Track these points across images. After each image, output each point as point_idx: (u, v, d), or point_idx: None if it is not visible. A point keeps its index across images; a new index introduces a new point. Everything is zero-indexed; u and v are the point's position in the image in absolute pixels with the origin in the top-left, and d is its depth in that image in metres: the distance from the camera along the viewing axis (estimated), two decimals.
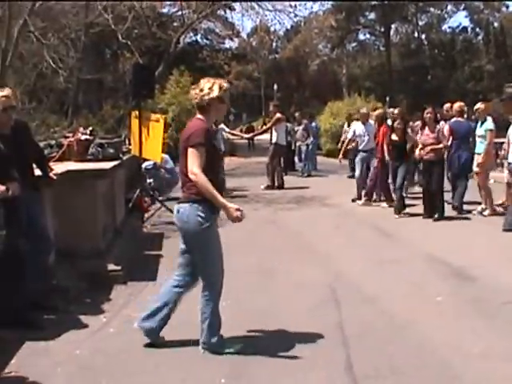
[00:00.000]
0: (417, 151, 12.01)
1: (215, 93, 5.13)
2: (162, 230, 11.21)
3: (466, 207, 12.40)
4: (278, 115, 17.76)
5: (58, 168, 7.30)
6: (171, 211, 11.87)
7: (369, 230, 11.11)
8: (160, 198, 13.53)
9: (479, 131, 12.11)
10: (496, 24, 60.37)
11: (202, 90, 5.16)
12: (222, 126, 17.80)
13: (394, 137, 12.15)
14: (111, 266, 7.62)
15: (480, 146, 12.04)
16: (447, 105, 13.94)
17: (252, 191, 16.27)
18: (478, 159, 12.04)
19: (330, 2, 50.28)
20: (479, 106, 12.41)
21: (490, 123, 11.91)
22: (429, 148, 11.78)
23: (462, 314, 6.26)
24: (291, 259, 8.64)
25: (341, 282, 7.46)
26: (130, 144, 13.57)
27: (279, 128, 17.56)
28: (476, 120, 12.71)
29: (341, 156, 15.98)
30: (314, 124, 22.67)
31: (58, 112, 22.61)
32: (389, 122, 13.90)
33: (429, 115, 11.90)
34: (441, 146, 11.72)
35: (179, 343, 5.51)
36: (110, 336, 5.78)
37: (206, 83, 5.19)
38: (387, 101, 36.77)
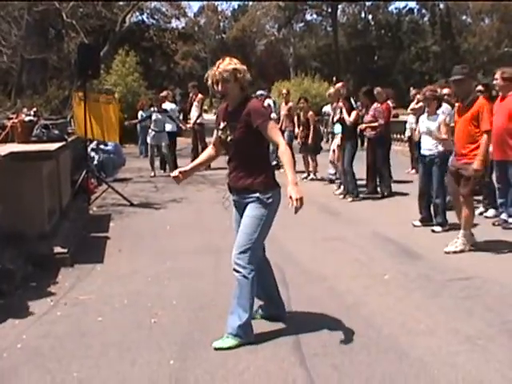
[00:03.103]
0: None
1: None
2: (109, 211, 11.14)
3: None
4: (201, 96, 17.92)
5: (1, 150, 7.17)
6: (118, 193, 11.89)
7: (316, 210, 11.18)
8: (106, 179, 13.44)
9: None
10: (442, 6, 61.04)
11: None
12: (174, 106, 17.69)
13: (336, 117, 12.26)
14: (57, 249, 7.53)
15: (338, 127, 12.68)
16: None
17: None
18: (336, 139, 12.84)
19: None
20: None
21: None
22: (363, 125, 12.17)
23: (408, 292, 6.35)
24: None
25: (289, 262, 7.49)
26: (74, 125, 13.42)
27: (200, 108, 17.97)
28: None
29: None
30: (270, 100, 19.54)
31: (1, 93, 22.09)
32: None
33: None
34: (376, 124, 12.04)
35: (127, 325, 5.49)
36: (57, 319, 5.72)
37: None
38: (334, 81, 36.85)
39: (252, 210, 5.02)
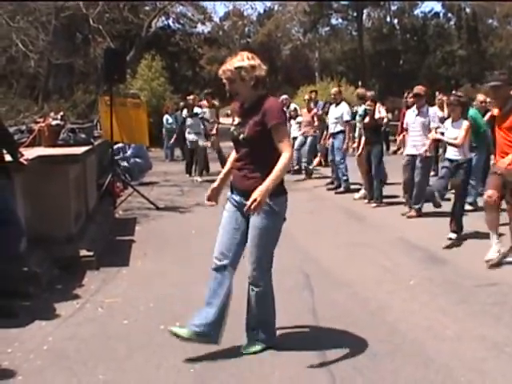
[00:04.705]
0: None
1: None
2: (134, 215, 11.19)
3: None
4: (216, 103, 17.82)
5: (29, 153, 7.22)
6: (144, 196, 11.94)
7: (341, 215, 11.16)
8: (132, 183, 13.51)
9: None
10: (468, 9, 60.56)
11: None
12: (200, 110, 17.70)
13: (366, 120, 12.13)
14: (83, 252, 7.58)
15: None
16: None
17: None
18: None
19: None
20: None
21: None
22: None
23: (433, 297, 6.31)
24: None
25: (313, 267, 7.49)
26: (100, 129, 13.53)
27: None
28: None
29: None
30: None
31: (29, 97, 22.32)
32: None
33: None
34: None
35: (153, 329, 5.50)
36: (82, 322, 5.75)
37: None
38: (359, 85, 36.77)
39: (262, 221, 4.72)
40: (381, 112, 12.12)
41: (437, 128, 10.35)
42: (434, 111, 10.91)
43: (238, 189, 4.90)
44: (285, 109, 17.19)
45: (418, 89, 10.87)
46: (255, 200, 4.42)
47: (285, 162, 4.57)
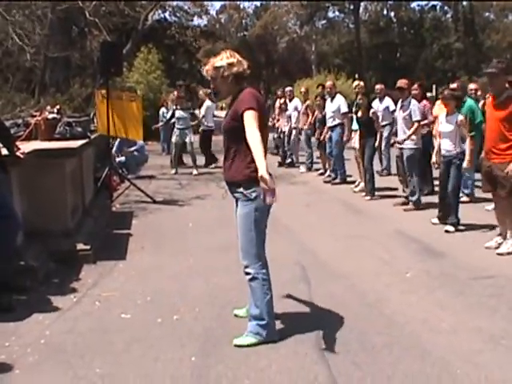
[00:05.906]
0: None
1: None
2: (132, 208, 11.17)
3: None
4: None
5: (25, 147, 7.20)
6: (140, 190, 11.92)
7: (338, 207, 11.15)
8: (129, 177, 13.50)
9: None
10: (465, 2, 60.49)
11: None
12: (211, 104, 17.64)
13: (359, 114, 12.11)
14: (80, 246, 7.57)
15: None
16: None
17: (217, 169, 16.10)
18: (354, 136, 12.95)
19: None
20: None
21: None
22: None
23: (430, 290, 6.31)
24: None
25: (310, 259, 7.49)
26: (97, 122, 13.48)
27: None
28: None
29: None
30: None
31: (25, 91, 22.25)
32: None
33: (415, 91, 11.93)
34: (426, 121, 11.65)
35: (150, 322, 5.50)
36: (80, 316, 5.74)
37: None
38: (356, 78, 36.71)
39: (241, 209, 4.93)
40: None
41: (419, 121, 10.42)
42: (416, 105, 10.76)
43: (225, 180, 5.11)
44: (287, 101, 17.29)
45: (401, 82, 10.86)
46: (272, 188, 4.38)
47: (252, 141, 4.55)
